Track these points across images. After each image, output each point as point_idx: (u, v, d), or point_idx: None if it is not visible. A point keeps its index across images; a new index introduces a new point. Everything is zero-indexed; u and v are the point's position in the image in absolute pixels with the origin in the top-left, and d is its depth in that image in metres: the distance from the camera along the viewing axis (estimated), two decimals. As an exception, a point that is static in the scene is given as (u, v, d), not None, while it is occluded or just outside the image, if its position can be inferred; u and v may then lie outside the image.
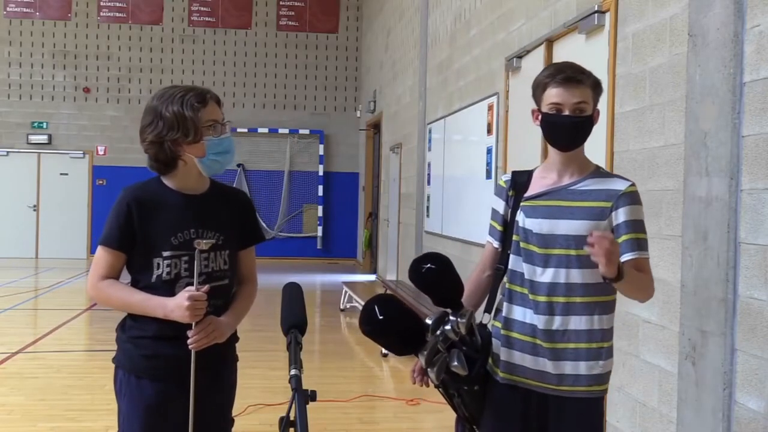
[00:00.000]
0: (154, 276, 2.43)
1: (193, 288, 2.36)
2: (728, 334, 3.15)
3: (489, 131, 6.88)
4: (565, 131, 2.42)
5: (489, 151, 6.87)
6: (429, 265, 2.40)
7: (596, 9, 4.53)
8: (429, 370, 2.34)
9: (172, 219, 2.45)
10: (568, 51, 5.06)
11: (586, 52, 4.75)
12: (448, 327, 2.35)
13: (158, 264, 2.43)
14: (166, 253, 2.43)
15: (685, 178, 3.48)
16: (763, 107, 3.02)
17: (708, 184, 3.28)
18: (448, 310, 2.40)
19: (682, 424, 3.45)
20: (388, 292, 9.59)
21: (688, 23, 3.50)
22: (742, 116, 3.13)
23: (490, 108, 6.84)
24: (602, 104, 4.36)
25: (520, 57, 6.00)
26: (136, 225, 2.42)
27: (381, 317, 2.32)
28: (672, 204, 3.69)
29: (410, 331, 2.36)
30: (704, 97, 3.33)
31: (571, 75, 2.38)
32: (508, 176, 2.61)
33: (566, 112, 2.39)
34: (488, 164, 6.88)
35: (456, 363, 2.33)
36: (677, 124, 3.66)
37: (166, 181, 2.51)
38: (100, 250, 2.47)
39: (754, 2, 3.09)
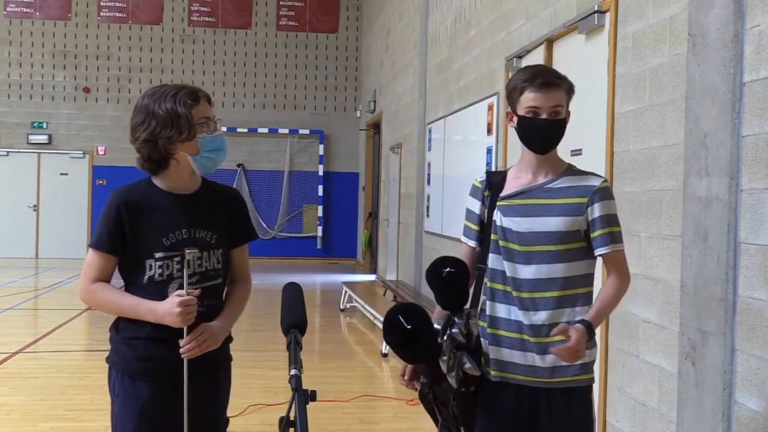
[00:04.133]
0: (146, 277, 2.42)
1: (183, 292, 2.34)
2: (728, 334, 3.15)
3: (489, 131, 6.88)
4: (543, 134, 2.48)
5: (489, 151, 6.87)
6: (449, 269, 2.44)
7: (596, 9, 4.53)
8: (448, 376, 2.37)
9: (164, 220, 2.43)
10: (568, 51, 5.06)
11: (586, 52, 4.75)
12: (455, 330, 2.38)
13: (150, 265, 2.41)
14: (158, 255, 2.41)
15: (685, 178, 3.48)
16: (763, 107, 3.02)
17: (708, 184, 3.28)
18: (449, 313, 2.42)
19: (682, 424, 3.45)
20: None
21: (688, 23, 3.50)
22: (742, 116, 3.13)
23: (490, 108, 6.84)
24: (602, 104, 4.40)
25: (520, 57, 5.99)
26: (127, 227, 2.40)
27: (408, 327, 2.32)
28: (672, 204, 3.69)
29: (432, 338, 2.37)
30: (704, 97, 3.33)
31: (549, 80, 2.45)
32: (482, 177, 2.67)
33: (543, 116, 2.45)
34: (488, 164, 6.88)
35: (468, 365, 2.37)
36: (677, 124, 3.66)
37: (157, 182, 2.48)
38: (91, 254, 2.45)
39: (754, 2, 3.09)
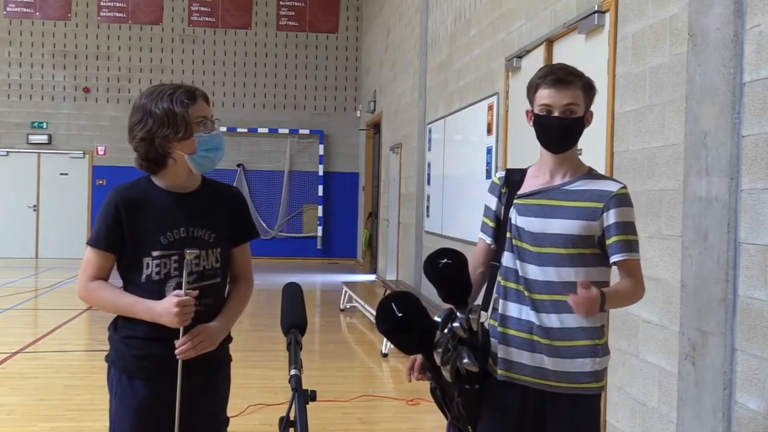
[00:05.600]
0: (144, 276, 2.42)
1: (181, 292, 2.34)
2: (728, 334, 3.15)
3: (489, 131, 6.88)
4: (555, 132, 2.44)
5: (489, 151, 6.87)
6: (446, 261, 2.41)
7: (596, 9, 4.53)
8: (443, 368, 2.34)
9: (161, 218, 2.43)
10: (568, 51, 5.06)
11: (586, 52, 4.75)
12: (456, 324, 2.36)
13: (147, 264, 2.41)
14: (155, 253, 2.41)
15: (685, 178, 3.48)
16: (763, 107, 3.02)
17: (708, 184, 3.28)
18: (452, 307, 2.41)
19: (682, 424, 3.45)
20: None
21: (688, 23, 3.50)
22: (742, 116, 3.13)
23: (490, 108, 6.84)
24: (602, 104, 4.39)
25: (520, 57, 6.00)
26: (125, 225, 2.41)
27: (400, 314, 2.30)
28: (672, 204, 3.69)
29: (426, 329, 2.35)
30: (704, 97, 3.33)
31: (562, 77, 2.40)
32: (502, 173, 2.64)
33: (556, 114, 2.41)
34: (488, 164, 6.88)
35: (467, 360, 2.34)
36: (677, 124, 3.66)
37: (156, 181, 2.49)
38: (89, 252, 2.45)
39: (754, 2, 3.09)
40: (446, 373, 2.34)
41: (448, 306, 2.44)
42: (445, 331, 2.35)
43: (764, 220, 3.00)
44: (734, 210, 3.14)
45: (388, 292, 9.88)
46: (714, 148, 3.25)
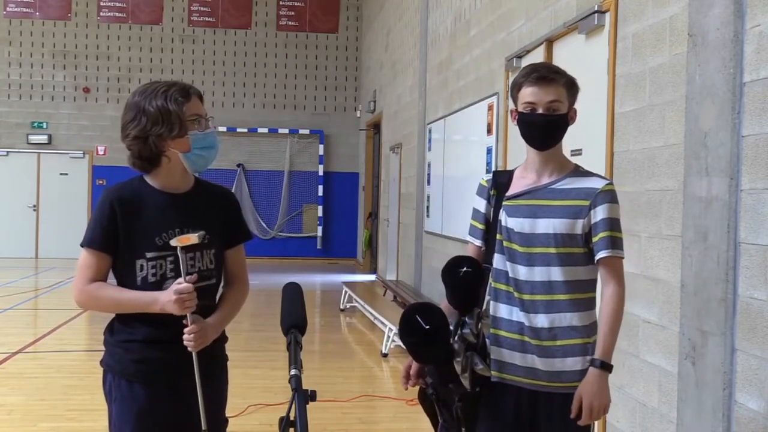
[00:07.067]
0: (139, 278, 2.37)
1: (181, 280, 2.32)
2: (728, 334, 3.15)
3: (489, 131, 6.88)
4: (540, 129, 2.46)
5: (489, 151, 6.87)
6: (466, 269, 2.42)
7: (596, 9, 4.53)
8: (462, 377, 2.35)
9: (156, 219, 2.39)
10: (568, 51, 5.06)
11: (586, 52, 4.75)
12: (466, 330, 2.37)
13: (141, 266, 2.37)
14: (149, 254, 2.37)
15: (685, 178, 3.48)
16: (763, 107, 3.02)
17: (708, 184, 3.28)
18: (457, 313, 2.42)
19: (682, 424, 3.45)
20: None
21: (688, 23, 3.50)
22: (742, 116, 3.13)
23: (490, 108, 6.84)
24: (602, 104, 4.40)
25: (520, 57, 5.99)
26: (120, 225, 2.36)
27: (427, 327, 2.29)
28: (672, 204, 3.69)
29: (447, 339, 2.35)
30: (704, 97, 3.33)
31: (545, 74, 2.42)
32: (489, 176, 2.65)
33: (540, 111, 2.42)
34: (488, 164, 6.88)
35: (480, 366, 2.35)
36: (677, 124, 3.66)
37: (149, 180, 2.45)
38: (85, 253, 2.38)
39: (754, 2, 3.09)
40: (465, 382, 2.35)
41: (452, 311, 2.45)
42: (456, 337, 2.36)
43: (764, 220, 3.00)
44: (734, 210, 3.14)
45: (389, 293, 9.89)
46: (714, 148, 3.25)
